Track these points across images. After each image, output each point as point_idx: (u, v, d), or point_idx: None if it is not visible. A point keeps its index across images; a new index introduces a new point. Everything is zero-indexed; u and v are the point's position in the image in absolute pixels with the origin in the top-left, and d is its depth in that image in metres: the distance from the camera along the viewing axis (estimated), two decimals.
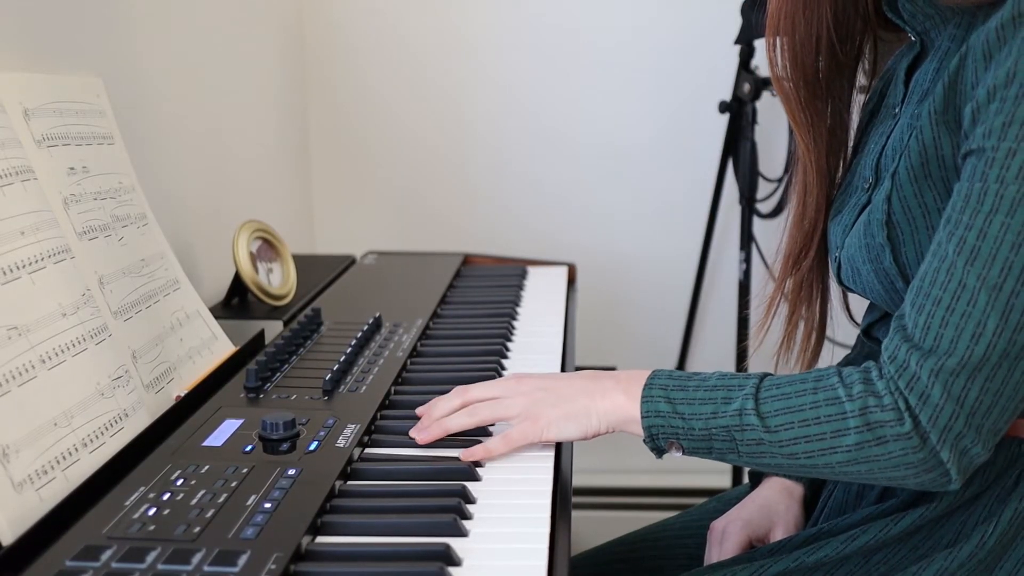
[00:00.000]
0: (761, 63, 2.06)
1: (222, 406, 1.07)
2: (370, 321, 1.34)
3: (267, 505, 0.83)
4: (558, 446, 1.02)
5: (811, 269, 1.12)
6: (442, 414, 1.02)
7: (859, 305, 1.16)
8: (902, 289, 0.95)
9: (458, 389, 1.03)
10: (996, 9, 0.86)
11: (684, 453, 0.96)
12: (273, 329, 1.39)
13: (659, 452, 0.97)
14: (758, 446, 0.91)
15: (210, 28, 1.72)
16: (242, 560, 0.74)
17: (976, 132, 0.84)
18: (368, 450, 1.00)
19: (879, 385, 0.87)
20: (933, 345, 0.84)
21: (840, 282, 1.06)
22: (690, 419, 0.93)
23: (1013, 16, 0.83)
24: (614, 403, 0.97)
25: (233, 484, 0.87)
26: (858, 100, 1.12)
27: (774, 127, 2.15)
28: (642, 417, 0.95)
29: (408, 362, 1.25)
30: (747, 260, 2.14)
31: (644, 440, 0.96)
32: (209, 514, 0.81)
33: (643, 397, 0.96)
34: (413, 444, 1.02)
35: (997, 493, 0.94)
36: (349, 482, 0.93)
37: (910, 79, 1.01)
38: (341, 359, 1.19)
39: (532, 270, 1.80)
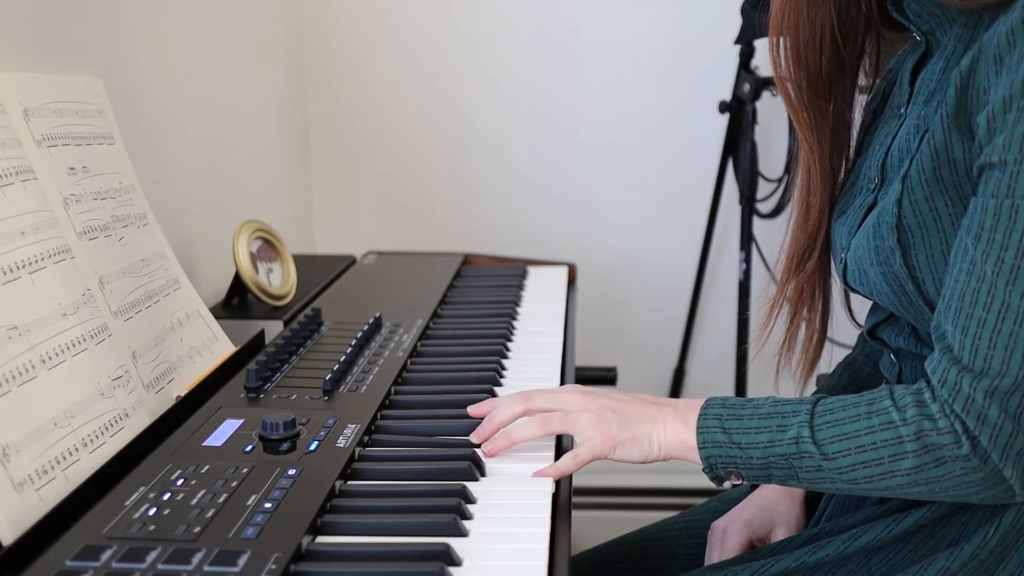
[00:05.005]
0: (761, 63, 2.07)
1: (222, 406, 1.07)
2: (370, 321, 1.34)
3: (267, 505, 0.83)
4: (558, 445, 1.02)
5: (814, 270, 1.11)
6: (503, 420, 1.00)
7: (860, 305, 1.15)
8: (912, 292, 0.94)
9: (520, 395, 1.02)
10: (1004, 10, 0.86)
11: (744, 481, 0.96)
12: (273, 329, 1.39)
13: (719, 481, 0.97)
14: (817, 472, 0.91)
15: (210, 28, 1.72)
16: (242, 560, 0.74)
17: (996, 143, 0.83)
18: (368, 450, 1.00)
19: (933, 408, 0.86)
20: (984, 367, 0.84)
21: (846, 283, 1.05)
22: (747, 448, 0.93)
23: (1023, 20, 0.83)
24: (675, 432, 0.96)
25: (233, 484, 0.87)
26: (860, 100, 1.12)
27: (774, 127, 2.15)
28: (699, 448, 0.95)
29: (408, 362, 1.25)
30: (747, 260, 2.14)
31: (703, 470, 0.96)
32: (209, 514, 0.81)
33: (699, 427, 0.95)
34: (413, 444, 1.02)
35: None
36: (349, 482, 0.93)
37: (915, 79, 1.01)
38: (341, 359, 1.19)
39: (532, 270, 1.80)
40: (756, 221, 2.14)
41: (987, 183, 0.84)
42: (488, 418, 1.01)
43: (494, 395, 1.14)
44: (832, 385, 1.20)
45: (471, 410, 1.04)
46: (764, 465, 0.93)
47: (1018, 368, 0.83)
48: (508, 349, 1.35)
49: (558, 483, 0.95)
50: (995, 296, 0.83)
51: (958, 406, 0.85)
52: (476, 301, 1.58)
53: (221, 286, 1.52)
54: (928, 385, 0.88)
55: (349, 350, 1.22)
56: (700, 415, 0.96)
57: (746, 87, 2.06)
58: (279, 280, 1.52)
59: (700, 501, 1.32)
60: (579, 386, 1.04)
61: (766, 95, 2.06)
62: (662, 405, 0.99)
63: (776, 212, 2.14)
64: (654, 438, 0.97)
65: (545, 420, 0.99)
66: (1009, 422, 0.84)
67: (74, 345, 0.94)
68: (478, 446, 1.00)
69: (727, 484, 0.97)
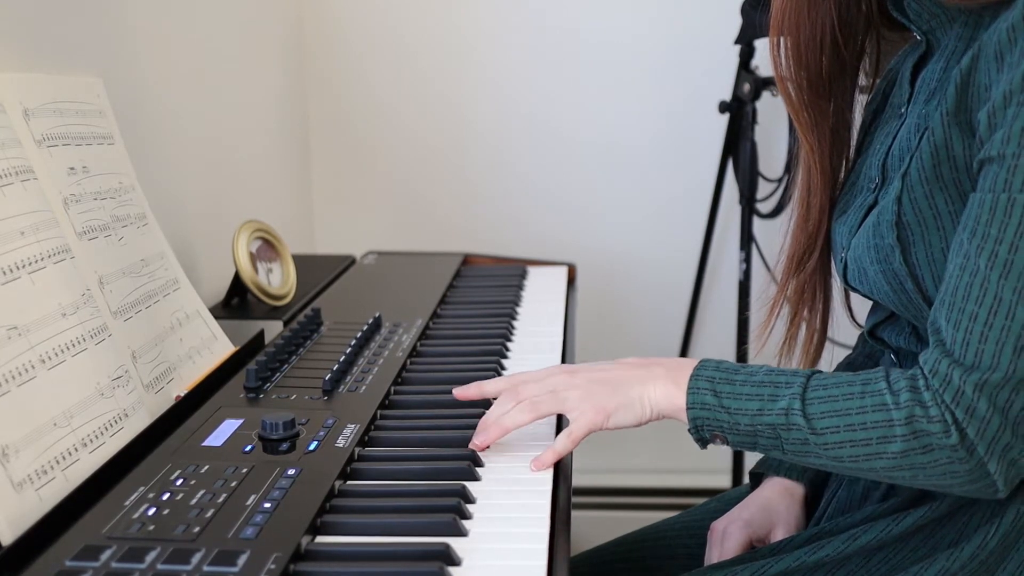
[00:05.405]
0: (761, 63, 2.06)
1: (222, 406, 1.07)
2: (370, 321, 1.34)
3: (267, 505, 0.83)
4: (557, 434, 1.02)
5: (814, 270, 1.11)
6: (497, 417, 1.00)
7: (860, 305, 1.15)
8: (911, 290, 0.94)
9: (507, 391, 1.01)
10: (1004, 8, 0.86)
11: (729, 446, 0.96)
12: (273, 329, 1.39)
13: (703, 443, 0.97)
14: (803, 445, 0.91)
15: (210, 28, 1.72)
16: (242, 560, 0.74)
17: (995, 138, 0.83)
18: (368, 450, 1.00)
19: (925, 396, 0.86)
20: (975, 361, 0.84)
21: (846, 282, 1.06)
22: (736, 414, 0.93)
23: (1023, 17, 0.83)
24: (665, 391, 0.97)
25: (233, 484, 0.87)
26: (860, 100, 1.12)
27: (774, 127, 2.15)
28: (687, 408, 0.95)
29: (408, 362, 1.25)
30: (747, 260, 2.13)
31: (689, 430, 0.96)
32: (209, 514, 0.81)
33: (689, 388, 0.95)
34: (413, 444, 1.02)
35: None
36: (349, 482, 0.93)
37: (916, 79, 1.01)
38: (341, 359, 1.19)
39: (532, 270, 1.80)
40: (756, 221, 2.14)
41: (985, 178, 0.84)
42: (482, 422, 1.01)
43: None
44: None
45: (456, 392, 1.05)
46: (751, 432, 0.93)
47: (1008, 362, 0.83)
48: (508, 349, 1.35)
49: (557, 483, 0.95)
50: (987, 290, 0.83)
51: (948, 397, 0.85)
52: (476, 301, 1.58)
53: (221, 286, 1.52)
54: (922, 373, 0.88)
55: (349, 350, 1.22)
56: (692, 375, 0.96)
57: (746, 87, 2.06)
58: (279, 280, 1.52)
59: (700, 501, 1.32)
60: (564, 365, 1.04)
61: (766, 95, 2.06)
62: (652, 365, 0.99)
63: (776, 212, 2.14)
64: (644, 399, 0.97)
65: (534, 404, 0.99)
66: (997, 416, 0.84)
67: (74, 345, 0.94)
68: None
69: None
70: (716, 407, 0.94)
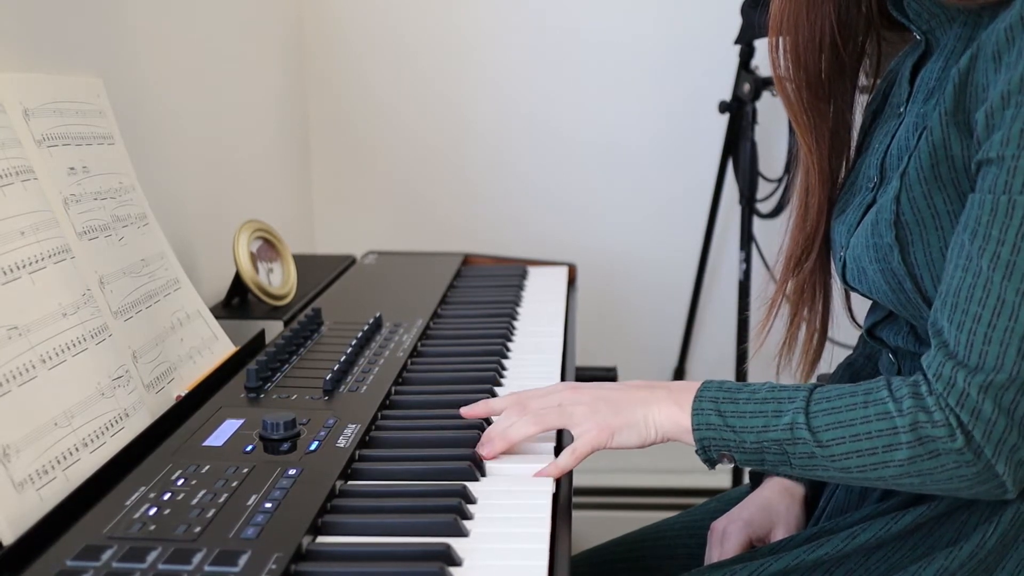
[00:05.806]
0: (761, 63, 2.07)
1: (222, 406, 1.07)
2: (370, 321, 1.34)
3: (267, 505, 0.83)
4: (557, 445, 1.02)
5: (813, 270, 1.11)
6: (503, 429, 1.00)
7: (860, 305, 1.15)
8: (910, 289, 0.94)
9: (514, 406, 1.01)
10: (1003, 8, 0.86)
11: (737, 464, 0.96)
12: (273, 329, 1.39)
13: (711, 463, 0.97)
14: (810, 459, 0.91)
15: (210, 28, 1.72)
16: (242, 560, 0.74)
17: (994, 139, 0.83)
18: (368, 450, 1.00)
19: (929, 401, 0.86)
20: (979, 362, 0.84)
21: (845, 282, 1.06)
22: (741, 432, 0.93)
23: (1022, 17, 0.83)
24: (668, 414, 0.97)
25: (234, 484, 0.87)
26: (860, 100, 1.12)
27: (774, 127, 2.15)
28: (693, 429, 0.95)
29: (408, 362, 1.25)
30: (747, 260, 2.14)
31: (696, 451, 0.96)
32: (210, 514, 0.81)
33: (694, 409, 0.95)
34: (413, 444, 1.02)
35: None
36: (349, 482, 0.93)
37: (915, 78, 1.01)
38: (341, 359, 1.19)
39: (532, 270, 1.80)
40: (756, 221, 2.14)
41: (984, 179, 0.84)
42: (486, 434, 1.01)
43: (494, 395, 1.15)
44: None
45: (464, 411, 1.04)
46: (757, 449, 0.93)
47: (1012, 363, 0.83)
48: (508, 349, 1.35)
49: (558, 483, 0.95)
50: (991, 291, 0.83)
51: (952, 400, 0.85)
52: (476, 301, 1.58)
53: (221, 286, 1.52)
54: (925, 378, 0.88)
55: (349, 350, 1.22)
56: (696, 397, 0.96)
57: (746, 87, 2.06)
58: (279, 280, 1.52)
59: (700, 501, 1.32)
60: (570, 383, 1.04)
61: (766, 95, 2.06)
62: (655, 388, 0.99)
63: (776, 212, 2.14)
64: (649, 420, 0.97)
65: (540, 417, 0.99)
66: (1003, 418, 0.84)
67: (74, 345, 0.94)
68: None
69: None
70: (721, 427, 0.94)
